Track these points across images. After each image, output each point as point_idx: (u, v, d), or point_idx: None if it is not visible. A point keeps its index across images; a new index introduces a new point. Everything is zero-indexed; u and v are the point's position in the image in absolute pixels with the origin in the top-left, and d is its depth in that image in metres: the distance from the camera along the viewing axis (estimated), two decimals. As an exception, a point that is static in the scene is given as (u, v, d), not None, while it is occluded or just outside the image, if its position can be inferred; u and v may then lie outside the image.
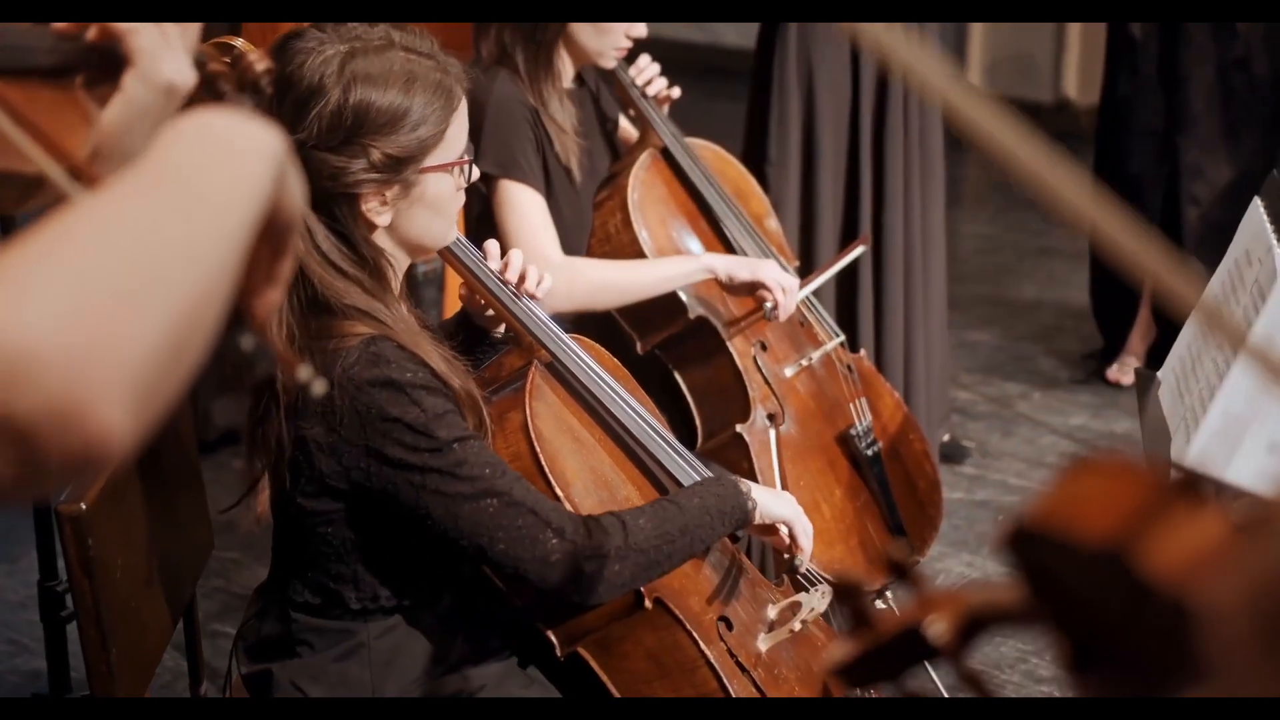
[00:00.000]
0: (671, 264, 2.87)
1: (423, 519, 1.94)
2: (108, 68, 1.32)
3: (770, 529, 2.26)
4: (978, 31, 7.63)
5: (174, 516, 2.29)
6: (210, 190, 0.89)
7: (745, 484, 2.20)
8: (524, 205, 2.79)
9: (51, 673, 2.80)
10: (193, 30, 1.36)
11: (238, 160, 0.94)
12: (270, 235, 1.01)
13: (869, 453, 3.02)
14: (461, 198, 2.07)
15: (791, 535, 2.26)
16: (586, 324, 2.98)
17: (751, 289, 2.86)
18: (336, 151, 1.93)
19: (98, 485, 1.98)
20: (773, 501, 2.24)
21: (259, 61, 1.48)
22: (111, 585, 2.02)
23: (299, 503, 1.98)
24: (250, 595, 2.22)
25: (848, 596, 0.99)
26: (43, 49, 1.28)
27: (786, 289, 2.85)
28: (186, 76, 1.35)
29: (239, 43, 1.82)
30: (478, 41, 2.99)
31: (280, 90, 1.93)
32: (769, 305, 2.85)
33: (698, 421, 2.99)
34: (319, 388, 1.04)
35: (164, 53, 1.33)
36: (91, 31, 1.31)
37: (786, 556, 2.30)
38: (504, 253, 2.26)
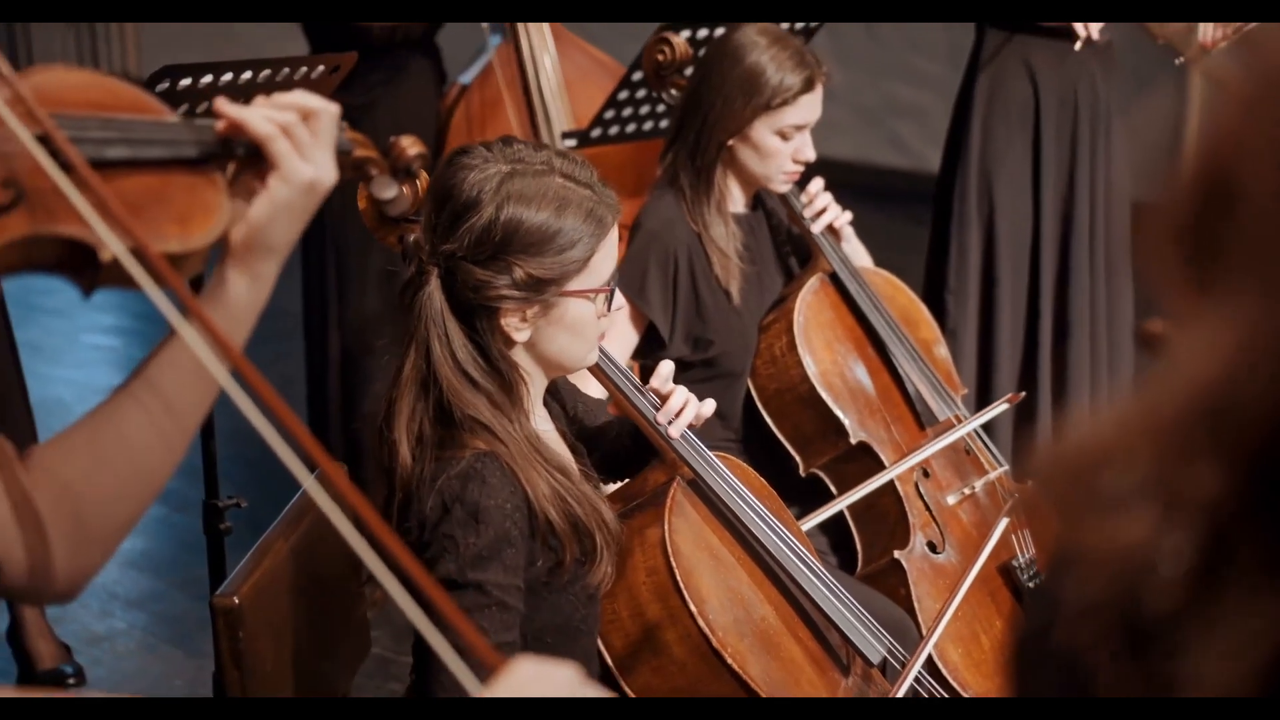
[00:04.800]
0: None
1: None
2: (251, 160, 1.43)
3: None
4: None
5: (329, 614, 2.37)
6: None
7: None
8: (615, 317, 2.86)
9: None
10: (330, 126, 1.47)
11: None
12: None
13: (1032, 585, 2.98)
14: (604, 324, 2.12)
15: None
16: (751, 444, 3.02)
17: None
18: (483, 265, 2.01)
19: (251, 580, 2.08)
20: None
21: (411, 147, 1.58)
22: (261, 677, 2.10)
23: None
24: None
25: None
26: (185, 141, 1.40)
27: None
28: (328, 174, 1.46)
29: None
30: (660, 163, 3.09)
31: (439, 200, 2.04)
32: None
33: (858, 545, 2.99)
34: None
35: (302, 156, 1.43)
36: (221, 124, 1.42)
37: None
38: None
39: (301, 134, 1.43)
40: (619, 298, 2.15)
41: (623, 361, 2.84)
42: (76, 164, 1.27)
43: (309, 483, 1.33)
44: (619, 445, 2.35)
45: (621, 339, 2.93)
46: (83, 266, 1.31)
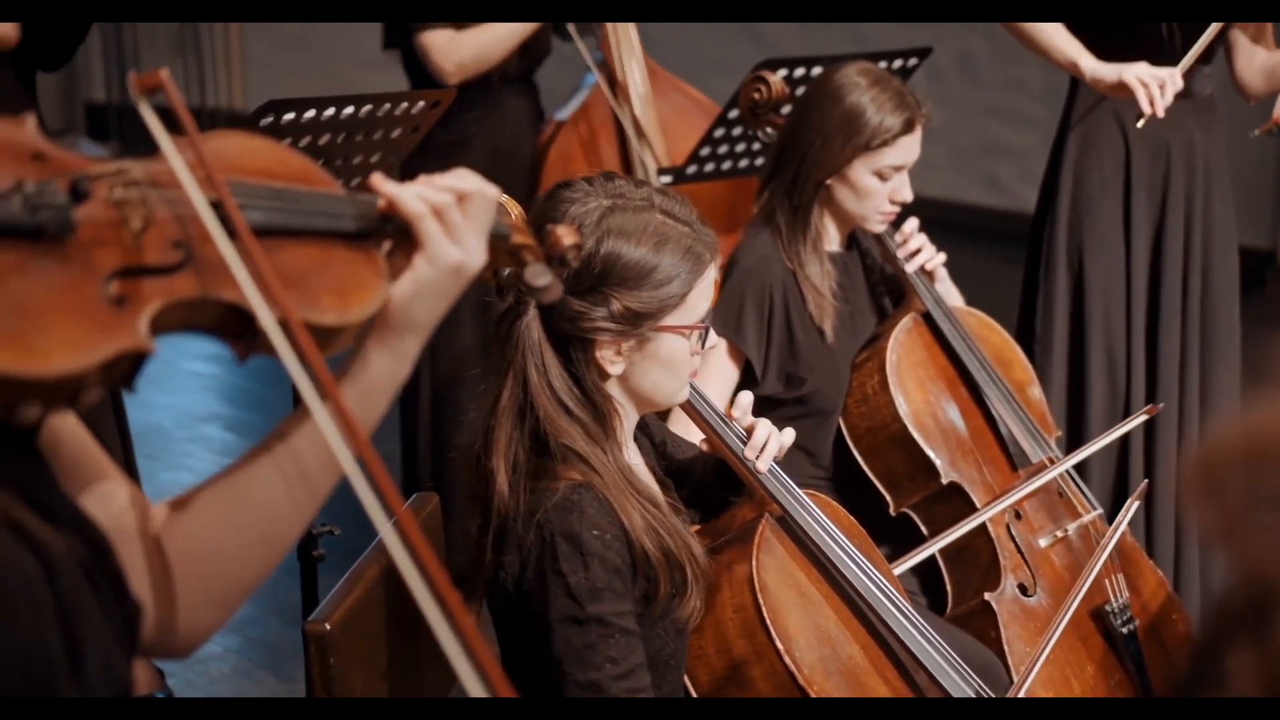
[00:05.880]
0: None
1: (539, 648, 2.01)
2: (404, 237, 1.43)
3: None
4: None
5: (418, 642, 2.39)
6: None
7: None
8: (712, 356, 2.88)
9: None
10: (485, 210, 1.45)
11: None
12: None
13: (1124, 631, 2.95)
14: (697, 361, 2.13)
15: None
16: (842, 482, 3.02)
17: None
18: (581, 297, 2.03)
19: (343, 607, 2.10)
20: None
21: (567, 236, 1.59)
22: (350, 703, 2.13)
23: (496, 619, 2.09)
24: None
25: None
26: (348, 215, 1.40)
27: None
28: (476, 258, 1.44)
29: (501, 198, 1.95)
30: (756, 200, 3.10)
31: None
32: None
33: (948, 586, 2.98)
34: None
35: (450, 238, 1.42)
36: (381, 202, 1.42)
37: None
38: None
39: (454, 216, 1.42)
40: (713, 336, 2.16)
41: (723, 397, 2.85)
42: (242, 232, 1.28)
43: (385, 530, 1.34)
44: (703, 481, 2.36)
45: (720, 375, 2.94)
46: (241, 332, 1.31)
